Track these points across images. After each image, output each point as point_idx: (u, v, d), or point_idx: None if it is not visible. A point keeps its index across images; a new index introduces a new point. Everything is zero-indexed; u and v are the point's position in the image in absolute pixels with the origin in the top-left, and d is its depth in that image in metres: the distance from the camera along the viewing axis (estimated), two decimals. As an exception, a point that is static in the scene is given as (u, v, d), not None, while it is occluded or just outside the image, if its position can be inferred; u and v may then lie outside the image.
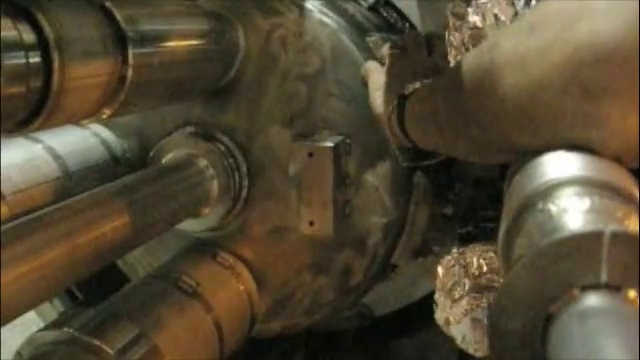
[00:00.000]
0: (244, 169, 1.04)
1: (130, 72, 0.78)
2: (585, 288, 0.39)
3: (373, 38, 1.05)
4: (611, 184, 0.50)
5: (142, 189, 0.91)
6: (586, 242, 0.40)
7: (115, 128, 1.07)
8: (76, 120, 0.81)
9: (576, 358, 0.34)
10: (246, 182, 1.04)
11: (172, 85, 0.91)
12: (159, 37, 0.84)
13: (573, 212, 0.46)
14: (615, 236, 0.40)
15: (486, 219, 1.02)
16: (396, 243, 1.08)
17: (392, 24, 1.22)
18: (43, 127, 0.72)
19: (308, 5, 1.04)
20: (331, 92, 1.02)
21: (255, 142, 1.04)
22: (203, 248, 1.06)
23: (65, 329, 0.84)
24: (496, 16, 0.81)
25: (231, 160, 1.03)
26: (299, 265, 1.07)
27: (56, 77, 0.68)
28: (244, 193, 1.05)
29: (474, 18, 0.81)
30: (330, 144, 0.98)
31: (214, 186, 1.01)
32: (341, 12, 1.06)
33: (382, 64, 0.97)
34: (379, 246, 1.06)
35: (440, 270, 0.92)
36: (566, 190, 0.50)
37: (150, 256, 1.12)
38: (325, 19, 1.04)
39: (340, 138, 1.01)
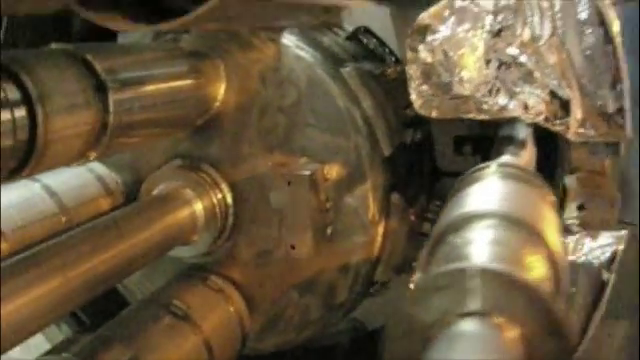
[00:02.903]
0: (229, 198, 1.15)
1: (111, 118, 0.90)
2: (459, 316, 0.49)
3: (347, 69, 1.15)
4: (522, 220, 0.59)
5: (133, 221, 1.03)
6: (456, 276, 0.50)
7: (109, 163, 1.18)
8: (64, 164, 0.92)
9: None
10: (232, 210, 1.15)
11: (154, 125, 1.02)
12: (138, 83, 0.96)
13: (472, 246, 0.56)
14: (484, 272, 0.49)
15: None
16: (378, 261, 1.18)
17: (372, 50, 1.32)
18: (33, 173, 0.84)
19: (285, 40, 1.14)
20: (308, 122, 1.13)
21: (239, 172, 1.15)
22: (194, 273, 1.17)
23: (64, 354, 0.96)
24: (445, 52, 0.91)
25: (217, 190, 1.14)
26: (286, 285, 1.17)
27: (41, 130, 0.79)
28: (230, 220, 1.15)
29: (424, 54, 0.91)
30: (307, 172, 1.09)
31: (201, 215, 1.12)
32: (317, 45, 1.17)
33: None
34: (361, 265, 1.16)
35: (412, 287, 1.01)
36: (475, 224, 0.59)
37: (148, 282, 1.23)
38: (301, 53, 1.14)
39: (317, 166, 1.11)
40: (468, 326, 0.46)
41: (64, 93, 0.83)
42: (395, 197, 1.16)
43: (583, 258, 0.96)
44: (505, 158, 0.86)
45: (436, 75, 0.91)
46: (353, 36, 1.32)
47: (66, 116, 0.83)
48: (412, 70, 0.93)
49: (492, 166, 0.75)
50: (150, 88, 0.99)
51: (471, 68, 0.91)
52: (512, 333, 0.46)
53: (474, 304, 0.47)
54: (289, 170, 1.11)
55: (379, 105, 1.16)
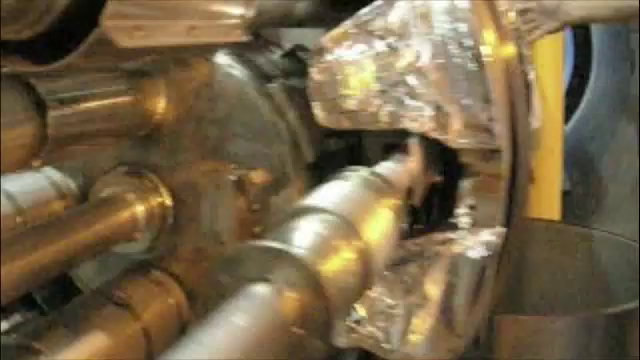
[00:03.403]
0: (169, 200, 1.31)
1: (50, 132, 1.06)
2: (249, 281, 0.64)
3: (274, 85, 1.31)
4: (342, 216, 0.74)
5: (76, 220, 1.19)
6: (256, 251, 0.65)
7: (65, 170, 1.35)
8: (11, 170, 1.09)
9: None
10: (171, 211, 1.31)
11: (94, 137, 1.18)
12: (76, 101, 1.12)
13: (291, 232, 0.71)
14: (273, 249, 0.65)
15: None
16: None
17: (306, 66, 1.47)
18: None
19: (218, 60, 1.30)
20: (237, 133, 1.29)
21: (177, 177, 1.31)
22: (139, 268, 1.33)
23: (13, 335, 1.13)
24: (332, 73, 1.06)
25: (157, 193, 1.30)
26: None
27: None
28: (170, 220, 1.31)
29: (315, 74, 1.06)
30: (233, 177, 1.25)
31: (142, 215, 1.28)
32: (248, 64, 1.32)
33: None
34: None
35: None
36: (306, 215, 0.75)
37: (100, 276, 1.39)
38: (232, 71, 1.30)
39: (244, 172, 1.27)
40: (253, 289, 0.61)
41: (8, 111, 0.99)
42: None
43: (467, 251, 1.11)
44: (382, 165, 1.01)
45: (324, 93, 1.07)
46: (290, 53, 1.47)
47: (10, 130, 1.00)
48: (308, 88, 1.09)
49: (359, 170, 0.90)
50: (87, 105, 1.15)
51: (356, 87, 1.06)
52: (289, 297, 0.61)
53: (261, 274, 0.63)
54: (218, 175, 1.26)
55: (303, 117, 1.31)
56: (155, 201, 1.30)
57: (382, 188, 0.86)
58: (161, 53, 0.93)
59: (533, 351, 2.02)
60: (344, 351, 1.40)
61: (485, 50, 1.07)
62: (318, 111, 1.11)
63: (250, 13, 0.90)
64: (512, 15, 1.81)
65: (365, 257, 0.72)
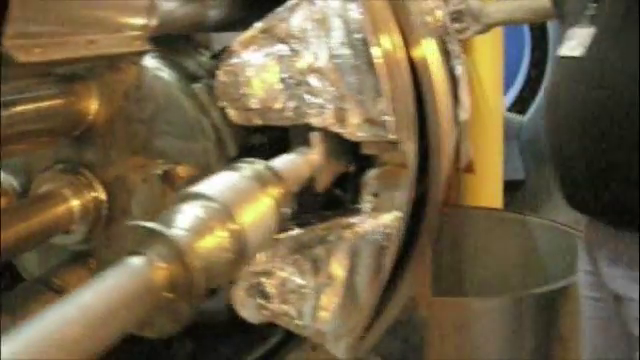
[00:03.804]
0: (103, 195, 1.43)
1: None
2: (129, 254, 0.76)
3: (199, 85, 1.43)
4: (222, 202, 0.87)
5: (14, 214, 1.31)
6: (138, 230, 0.77)
7: (7, 169, 1.47)
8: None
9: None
10: (105, 204, 1.43)
11: (28, 138, 1.30)
12: (13, 104, 1.24)
13: (174, 214, 0.83)
14: (147, 227, 0.77)
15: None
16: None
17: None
18: None
19: (146, 63, 1.42)
20: (164, 131, 1.41)
21: (109, 173, 1.43)
22: (77, 257, 1.45)
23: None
24: (235, 74, 1.19)
25: (91, 189, 1.42)
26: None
27: None
28: (104, 213, 1.43)
29: (220, 75, 1.19)
30: (160, 172, 1.37)
31: (77, 209, 1.40)
32: (174, 66, 1.44)
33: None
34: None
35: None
36: (191, 200, 0.87)
37: (42, 266, 1.51)
38: (159, 73, 1.42)
39: (170, 166, 1.39)
40: (128, 260, 0.74)
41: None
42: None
43: (367, 234, 1.24)
44: (281, 157, 1.14)
45: (228, 93, 1.19)
46: (218, 55, 1.59)
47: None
48: (214, 89, 1.21)
49: (254, 163, 1.03)
50: (24, 108, 1.27)
51: (259, 87, 1.18)
52: (158, 267, 0.73)
53: (138, 248, 0.75)
54: (147, 170, 1.39)
55: (226, 115, 1.43)
56: (89, 196, 1.42)
57: (268, 178, 0.98)
58: (61, 65, 1.04)
59: (464, 332, 2.15)
60: (270, 330, 1.54)
61: (375, 52, 1.19)
62: (229, 110, 1.23)
63: (153, 23, 1.02)
64: (439, 13, 1.94)
65: (238, 237, 0.85)
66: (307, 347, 1.40)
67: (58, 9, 0.87)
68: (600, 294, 1.84)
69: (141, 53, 1.06)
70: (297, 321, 1.28)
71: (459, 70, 2.01)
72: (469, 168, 2.97)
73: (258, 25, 1.22)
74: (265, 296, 1.23)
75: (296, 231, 1.26)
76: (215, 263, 0.82)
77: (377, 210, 1.27)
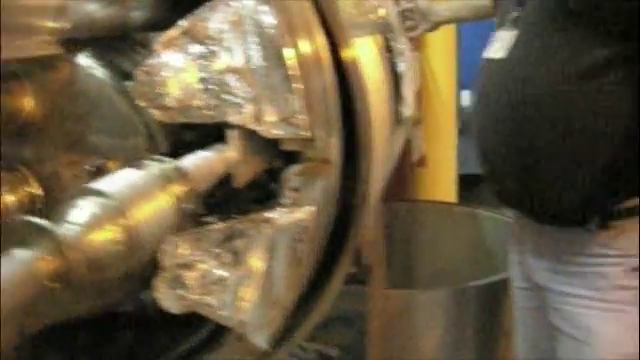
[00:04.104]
0: (38, 190, 1.49)
1: None
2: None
3: (131, 83, 1.49)
4: (115, 199, 0.93)
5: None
6: (23, 223, 0.83)
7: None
8: None
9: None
10: (40, 199, 1.49)
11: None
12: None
13: (70, 208, 0.89)
14: (31, 222, 0.83)
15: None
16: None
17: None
18: None
19: (80, 61, 1.48)
20: (97, 128, 1.46)
21: (44, 169, 1.49)
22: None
23: None
24: (149, 74, 1.24)
25: (27, 184, 1.48)
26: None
27: None
28: (38, 207, 1.49)
29: (139, 74, 1.24)
30: (91, 168, 1.43)
31: (13, 204, 1.46)
32: (108, 64, 1.50)
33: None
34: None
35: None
36: (88, 195, 0.93)
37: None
38: (92, 71, 1.48)
39: (102, 162, 1.45)
40: (14, 252, 0.80)
41: None
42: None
43: (281, 229, 1.30)
44: (195, 155, 1.20)
45: (145, 93, 1.25)
46: (155, 53, 1.64)
47: None
48: (131, 89, 1.27)
49: (160, 161, 1.09)
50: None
51: (175, 86, 1.24)
52: (42, 259, 0.79)
53: (24, 242, 0.81)
54: (79, 166, 1.44)
55: (154, 113, 1.48)
56: (25, 191, 1.48)
57: (172, 176, 1.05)
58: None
59: (404, 323, 2.22)
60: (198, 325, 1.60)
61: (287, 53, 1.25)
62: (152, 109, 1.29)
63: (64, 26, 1.08)
64: (382, 12, 2.00)
65: (130, 232, 0.91)
66: (233, 338, 1.46)
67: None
68: (528, 285, 1.91)
69: (54, 57, 1.11)
70: (220, 312, 1.33)
71: (402, 67, 2.08)
72: (421, 162, 3.04)
73: (178, 26, 1.28)
74: (185, 287, 1.29)
75: (218, 225, 1.32)
76: (103, 256, 0.88)
77: (295, 205, 1.33)
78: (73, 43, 1.51)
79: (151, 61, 1.26)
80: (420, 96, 2.90)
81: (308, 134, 1.29)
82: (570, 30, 1.58)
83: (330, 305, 1.71)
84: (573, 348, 1.75)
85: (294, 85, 1.26)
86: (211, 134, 1.60)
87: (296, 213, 1.30)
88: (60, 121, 1.48)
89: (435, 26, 2.66)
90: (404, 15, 2.75)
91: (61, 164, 1.49)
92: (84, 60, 1.49)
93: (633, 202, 1.66)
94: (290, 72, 1.25)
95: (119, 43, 1.61)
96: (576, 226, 1.69)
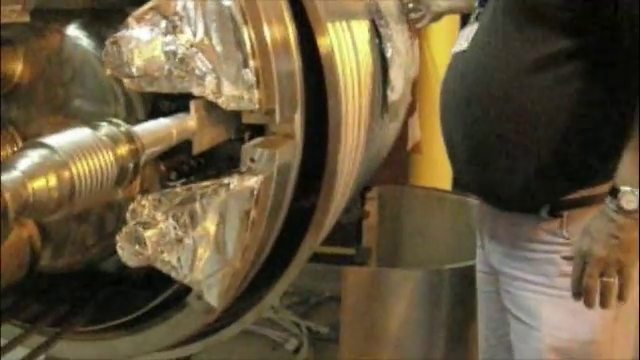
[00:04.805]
0: (23, 148, 1.64)
1: None
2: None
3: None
4: (57, 151, 1.06)
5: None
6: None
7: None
8: None
9: None
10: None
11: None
12: None
13: (17, 157, 1.03)
14: None
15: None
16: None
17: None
18: None
19: (68, 31, 1.63)
20: (80, 93, 1.61)
21: (30, 130, 1.64)
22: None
23: None
24: (118, 45, 1.38)
25: (13, 143, 1.64)
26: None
27: None
28: (24, 165, 1.64)
29: (108, 45, 1.38)
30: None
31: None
32: (94, 35, 1.64)
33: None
34: (123, 201, 1.63)
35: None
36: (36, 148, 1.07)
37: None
38: (78, 41, 1.62)
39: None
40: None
41: None
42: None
43: (233, 194, 1.43)
44: (155, 121, 1.34)
45: (112, 62, 1.39)
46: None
47: None
48: (102, 58, 1.41)
49: (114, 124, 1.23)
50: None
51: (141, 57, 1.38)
52: None
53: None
54: (63, 128, 1.59)
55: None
56: (11, 150, 1.64)
57: (119, 137, 1.19)
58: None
59: (379, 301, 2.33)
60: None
61: (245, 32, 1.38)
62: (122, 78, 1.43)
63: (34, -3, 1.22)
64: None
65: (68, 182, 1.05)
66: (192, 298, 1.59)
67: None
68: (487, 268, 2.01)
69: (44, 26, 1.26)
70: (178, 270, 1.47)
71: (389, 52, 2.19)
72: (416, 149, 3.13)
73: (150, 2, 1.41)
74: (144, 244, 1.43)
75: (178, 189, 1.45)
76: (40, 200, 1.02)
77: (250, 173, 1.45)
78: (65, 15, 1.67)
79: (120, 34, 1.40)
80: (417, 83, 3.01)
81: (262, 107, 1.41)
82: (524, 24, 1.67)
83: (297, 272, 1.84)
84: (522, 331, 1.84)
85: (250, 62, 1.38)
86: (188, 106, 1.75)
87: (248, 181, 1.43)
88: (46, 86, 1.63)
89: (437, 17, 2.81)
90: (410, 7, 2.88)
91: (46, 126, 1.64)
92: (73, 31, 1.64)
93: (581, 193, 1.74)
94: (247, 50, 1.38)
95: (110, 16, 1.75)
96: (528, 213, 1.78)
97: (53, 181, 1.04)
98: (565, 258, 1.73)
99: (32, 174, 1.03)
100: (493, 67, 1.74)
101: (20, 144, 1.65)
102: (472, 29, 1.84)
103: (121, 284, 1.88)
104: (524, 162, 1.74)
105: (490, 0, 1.81)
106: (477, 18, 1.86)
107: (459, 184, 1.96)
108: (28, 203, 1.01)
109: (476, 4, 1.87)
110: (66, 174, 1.06)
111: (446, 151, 1.95)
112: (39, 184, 1.03)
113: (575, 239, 1.70)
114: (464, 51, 1.84)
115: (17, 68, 1.64)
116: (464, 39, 1.86)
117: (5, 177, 0.99)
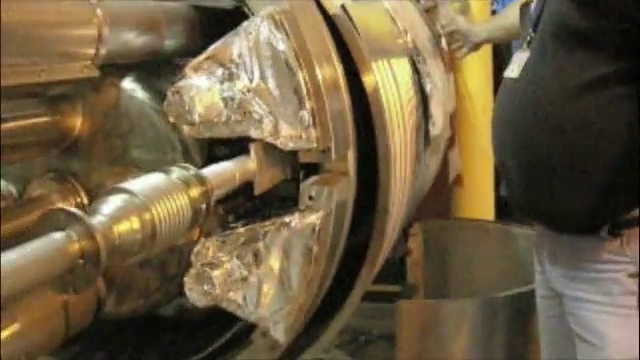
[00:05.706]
0: (85, 199, 1.74)
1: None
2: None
3: (169, 103, 1.73)
4: (139, 196, 1.15)
5: (11, 215, 1.63)
6: (54, 214, 1.06)
7: (7, 176, 1.79)
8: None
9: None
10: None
11: (22, 149, 1.62)
12: (6, 121, 1.55)
13: (100, 204, 1.12)
14: (69, 212, 1.06)
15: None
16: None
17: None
18: None
19: (123, 85, 1.73)
20: (138, 144, 1.71)
21: (91, 181, 1.74)
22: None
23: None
24: (180, 94, 1.47)
25: (76, 194, 1.73)
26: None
27: None
28: (86, 215, 1.74)
29: (169, 95, 1.48)
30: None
31: (63, 212, 1.71)
32: (149, 87, 1.75)
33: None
34: (184, 245, 1.72)
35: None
36: (117, 193, 1.16)
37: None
38: (134, 94, 1.73)
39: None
40: (52, 234, 1.02)
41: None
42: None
43: (296, 232, 1.51)
44: (217, 165, 1.43)
45: (175, 110, 1.48)
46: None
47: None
48: (164, 107, 1.51)
49: (184, 168, 1.31)
50: (12, 124, 1.59)
51: (201, 104, 1.47)
52: (74, 240, 1.02)
53: (60, 227, 1.03)
54: (123, 178, 1.68)
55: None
56: (74, 200, 1.73)
57: (190, 181, 1.27)
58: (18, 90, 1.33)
59: (436, 333, 2.37)
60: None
61: (299, 75, 1.47)
62: (182, 126, 1.53)
63: (102, 52, 1.32)
64: (410, 36, 2.21)
65: (150, 224, 1.13)
66: (257, 335, 1.66)
67: (16, 42, 1.18)
68: (548, 292, 2.06)
69: (90, 79, 1.36)
70: (244, 308, 1.55)
71: (428, 88, 2.28)
72: (457, 181, 3.20)
73: (206, 52, 1.51)
74: (211, 284, 1.51)
75: (241, 229, 1.53)
76: (125, 242, 1.10)
77: (310, 210, 1.53)
78: (119, 68, 1.78)
79: (181, 83, 1.50)
80: (454, 116, 3.08)
81: (319, 146, 1.49)
82: (575, 47, 1.74)
83: (352, 310, 1.91)
84: (589, 352, 1.88)
85: (306, 103, 1.47)
86: (242, 150, 1.84)
87: (309, 218, 1.51)
88: (105, 138, 1.73)
89: (475, 47, 2.90)
90: (450, 37, 2.99)
91: (106, 176, 1.73)
92: (128, 84, 1.74)
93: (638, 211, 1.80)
94: (302, 92, 1.47)
95: (161, 68, 1.86)
96: (587, 234, 1.83)
97: (136, 224, 1.13)
98: (631, 276, 1.78)
99: (117, 218, 1.11)
100: (546, 90, 1.81)
101: (83, 195, 1.74)
102: (524, 56, 1.92)
103: (181, 328, 1.95)
104: (582, 184, 1.81)
105: (540, 28, 1.88)
106: (528, 44, 1.93)
107: (515, 208, 2.02)
108: (115, 246, 1.09)
109: (530, 29, 1.94)
110: (147, 216, 1.14)
111: (502, 179, 2.02)
112: (124, 227, 1.11)
113: (638, 256, 1.76)
114: (515, 79, 1.91)
115: (76, 123, 1.75)
116: (516, 66, 1.94)
117: (93, 221, 1.07)
